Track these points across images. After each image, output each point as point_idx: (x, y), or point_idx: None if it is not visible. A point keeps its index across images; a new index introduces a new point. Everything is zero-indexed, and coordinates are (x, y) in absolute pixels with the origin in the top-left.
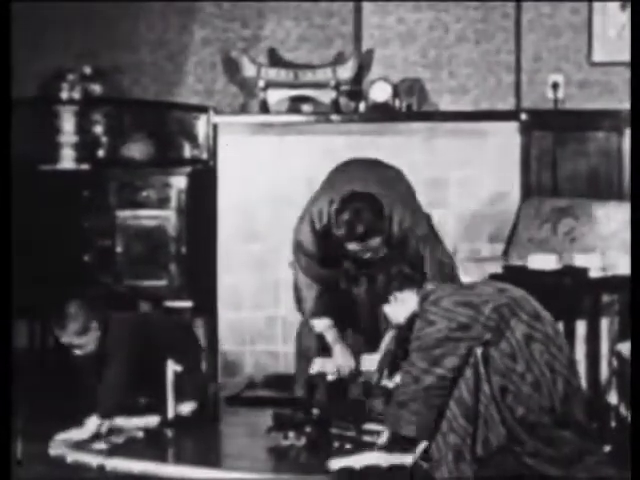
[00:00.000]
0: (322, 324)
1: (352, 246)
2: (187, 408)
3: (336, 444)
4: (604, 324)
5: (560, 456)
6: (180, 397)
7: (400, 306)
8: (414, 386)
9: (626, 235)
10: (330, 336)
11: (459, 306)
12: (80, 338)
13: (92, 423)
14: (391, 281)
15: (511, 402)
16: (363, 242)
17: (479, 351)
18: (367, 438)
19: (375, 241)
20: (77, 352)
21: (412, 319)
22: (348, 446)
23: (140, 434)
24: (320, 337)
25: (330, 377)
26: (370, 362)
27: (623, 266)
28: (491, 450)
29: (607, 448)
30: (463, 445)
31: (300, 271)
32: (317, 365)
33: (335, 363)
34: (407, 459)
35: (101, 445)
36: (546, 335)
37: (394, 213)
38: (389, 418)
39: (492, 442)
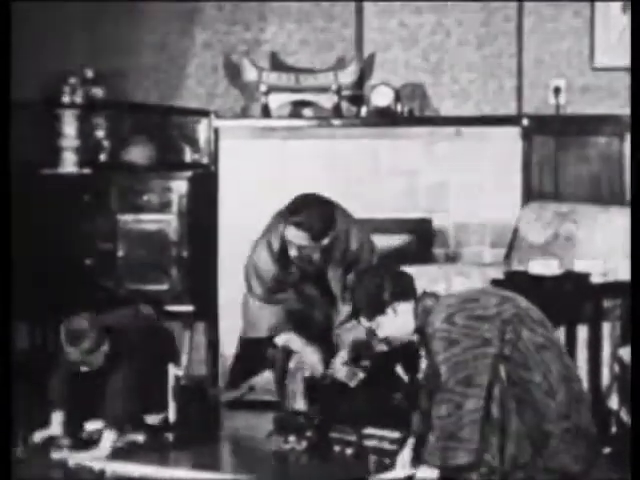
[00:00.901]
0: (283, 338)
1: (302, 240)
2: (154, 420)
3: (337, 448)
4: (605, 329)
5: (566, 465)
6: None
7: (397, 318)
8: (459, 412)
9: (627, 240)
10: (295, 344)
11: (474, 321)
12: (91, 356)
13: (107, 439)
14: (384, 293)
15: (526, 412)
16: (314, 236)
17: (502, 368)
18: (367, 442)
19: (325, 240)
20: (84, 369)
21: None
22: (349, 451)
23: (140, 438)
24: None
25: (306, 373)
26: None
27: (624, 271)
28: (518, 466)
29: (607, 450)
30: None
31: (255, 299)
32: (295, 360)
33: (308, 362)
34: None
35: None
36: (553, 342)
37: (351, 229)
38: (436, 453)
39: (520, 459)
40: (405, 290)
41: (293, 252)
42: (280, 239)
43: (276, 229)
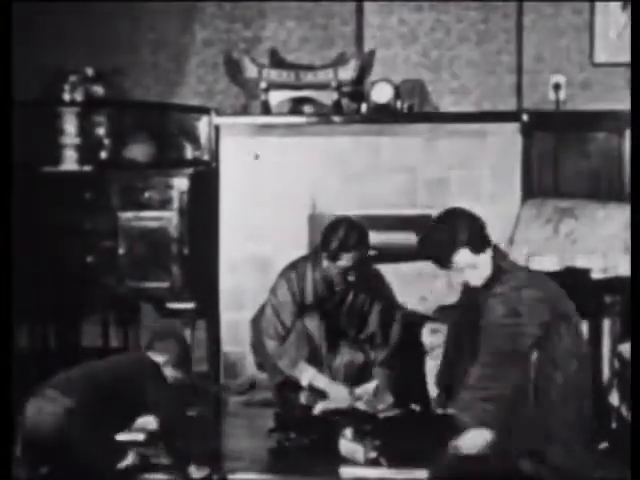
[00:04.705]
0: (309, 375)
1: (343, 262)
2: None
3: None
4: (606, 325)
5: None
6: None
7: (477, 270)
8: (498, 382)
9: (627, 236)
10: (321, 382)
11: (540, 303)
12: None
13: None
14: (457, 237)
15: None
16: (354, 252)
17: (535, 354)
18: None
19: (362, 254)
20: None
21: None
22: None
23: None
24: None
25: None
26: (363, 391)
27: (624, 267)
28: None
29: (604, 445)
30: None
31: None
32: (320, 406)
33: (334, 402)
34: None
35: None
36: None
37: None
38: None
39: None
40: (479, 236)
41: (350, 277)
42: (321, 272)
43: (297, 271)
